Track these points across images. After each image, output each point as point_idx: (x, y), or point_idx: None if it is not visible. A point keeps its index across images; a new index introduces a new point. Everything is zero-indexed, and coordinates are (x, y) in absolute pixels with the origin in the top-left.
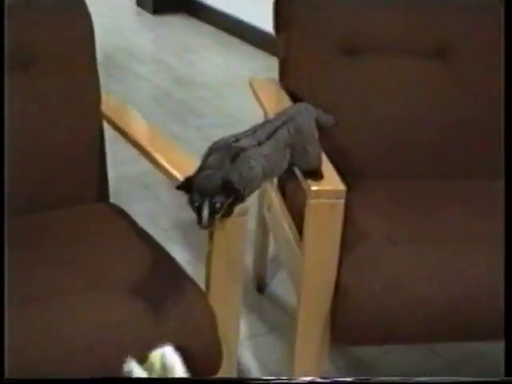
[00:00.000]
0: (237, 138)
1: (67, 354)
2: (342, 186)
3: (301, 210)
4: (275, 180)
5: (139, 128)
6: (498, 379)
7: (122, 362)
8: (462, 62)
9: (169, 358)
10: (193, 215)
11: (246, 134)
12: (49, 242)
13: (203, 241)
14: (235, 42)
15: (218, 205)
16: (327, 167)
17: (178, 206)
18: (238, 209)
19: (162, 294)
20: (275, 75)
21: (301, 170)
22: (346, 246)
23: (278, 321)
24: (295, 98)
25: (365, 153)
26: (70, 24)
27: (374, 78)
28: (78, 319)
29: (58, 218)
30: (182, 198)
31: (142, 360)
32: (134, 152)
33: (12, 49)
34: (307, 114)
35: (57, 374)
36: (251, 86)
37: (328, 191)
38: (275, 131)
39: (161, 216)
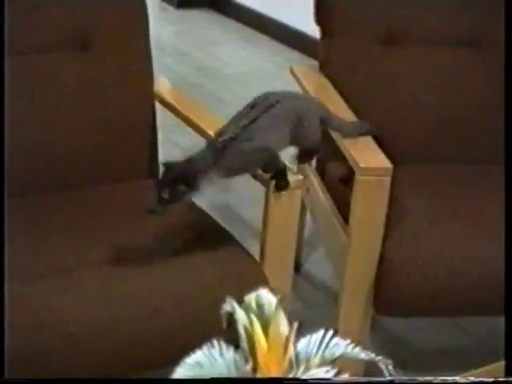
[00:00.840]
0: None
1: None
2: (388, 164)
3: (342, 189)
4: (313, 162)
5: (191, 107)
6: (498, 379)
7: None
8: (495, 51)
9: (264, 298)
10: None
11: (240, 115)
12: (104, 214)
13: (238, 223)
14: (258, 36)
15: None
16: (372, 145)
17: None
18: (293, 182)
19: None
20: None
21: (300, 147)
22: (389, 223)
23: (314, 299)
24: (335, 85)
25: (401, 137)
26: (126, 10)
27: (411, 66)
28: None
29: (112, 192)
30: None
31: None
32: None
33: (71, 31)
34: (307, 102)
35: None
36: (293, 73)
37: (376, 168)
38: (269, 107)
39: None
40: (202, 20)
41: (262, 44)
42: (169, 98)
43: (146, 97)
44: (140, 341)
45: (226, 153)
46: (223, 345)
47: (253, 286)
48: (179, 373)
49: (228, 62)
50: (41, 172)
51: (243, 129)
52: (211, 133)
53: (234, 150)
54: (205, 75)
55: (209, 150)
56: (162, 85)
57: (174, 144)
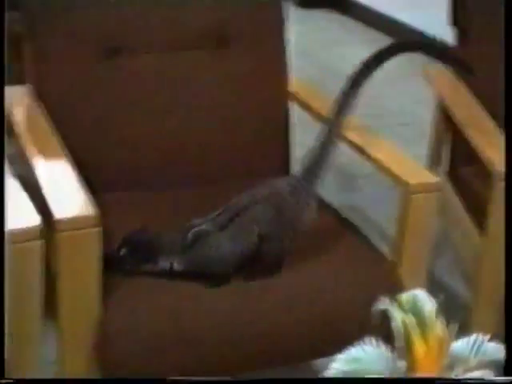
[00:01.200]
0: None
1: None
2: None
3: (478, 193)
4: (447, 165)
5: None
6: (498, 379)
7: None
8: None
9: (421, 299)
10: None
11: (208, 218)
12: None
13: (365, 223)
14: (380, 37)
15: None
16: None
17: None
18: (431, 184)
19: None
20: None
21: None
22: None
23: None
24: None
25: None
26: (265, 8)
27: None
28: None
29: (246, 188)
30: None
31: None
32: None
33: (211, 29)
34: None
35: None
36: (426, 75)
37: None
38: (238, 214)
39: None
40: (325, 20)
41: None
42: (304, 97)
43: (282, 95)
44: (275, 335)
45: (194, 246)
46: (377, 342)
47: (388, 287)
48: (334, 367)
49: (352, 63)
50: (176, 167)
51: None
52: (346, 132)
53: (202, 246)
54: (328, 76)
55: (178, 237)
56: (297, 83)
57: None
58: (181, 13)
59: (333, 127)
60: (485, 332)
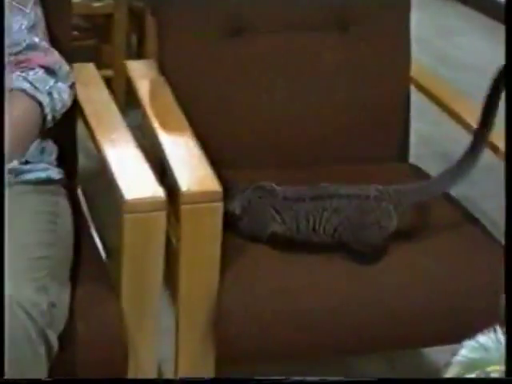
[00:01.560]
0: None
1: None
2: None
3: None
4: None
5: (448, 94)
6: (497, 379)
7: None
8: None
9: None
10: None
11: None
12: None
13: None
14: (500, 27)
15: None
16: None
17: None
18: None
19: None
20: None
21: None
22: None
23: None
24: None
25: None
26: None
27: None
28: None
29: (362, 173)
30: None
31: None
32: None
33: (333, 11)
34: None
35: None
36: None
37: None
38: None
39: None
40: (440, 8)
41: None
42: (425, 83)
43: (403, 80)
44: (391, 318)
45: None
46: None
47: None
48: (462, 353)
49: (470, 52)
50: (292, 147)
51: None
52: (470, 121)
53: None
54: (444, 64)
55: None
56: (418, 69)
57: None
58: None
59: (479, 139)
60: None
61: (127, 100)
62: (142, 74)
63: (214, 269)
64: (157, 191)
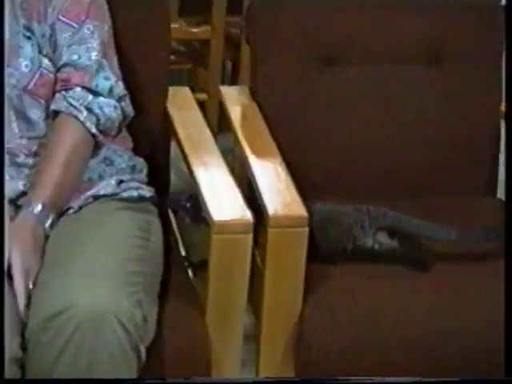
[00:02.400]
0: None
1: None
2: None
3: None
4: None
5: None
6: (498, 379)
7: None
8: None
9: None
10: None
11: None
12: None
13: None
14: None
15: None
16: None
17: None
18: None
19: None
20: None
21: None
22: None
23: None
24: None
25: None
26: (481, 26)
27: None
28: None
29: (448, 206)
30: None
31: None
32: None
33: (425, 44)
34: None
35: None
36: None
37: None
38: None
39: None
40: None
41: None
42: None
43: (493, 114)
44: (474, 351)
45: None
46: None
47: None
48: None
49: None
50: (381, 177)
51: None
52: None
53: None
54: None
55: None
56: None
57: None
58: (397, 26)
59: None
60: None
61: (220, 124)
62: (235, 100)
63: (298, 292)
64: (245, 214)
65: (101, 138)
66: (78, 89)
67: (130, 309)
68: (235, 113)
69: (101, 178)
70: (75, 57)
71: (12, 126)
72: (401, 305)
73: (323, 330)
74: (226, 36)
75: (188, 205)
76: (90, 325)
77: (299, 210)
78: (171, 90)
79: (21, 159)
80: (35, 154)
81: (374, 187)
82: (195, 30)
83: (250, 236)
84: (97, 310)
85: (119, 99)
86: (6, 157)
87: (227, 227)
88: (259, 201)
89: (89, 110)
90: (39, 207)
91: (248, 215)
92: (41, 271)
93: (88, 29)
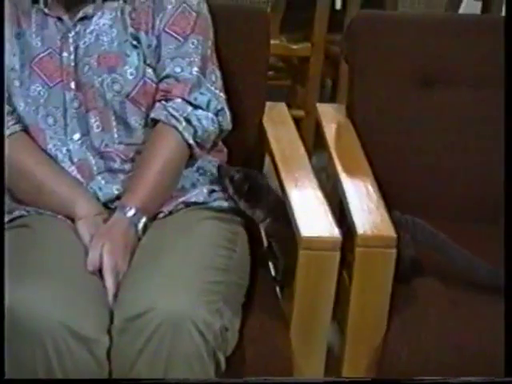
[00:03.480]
0: None
1: None
2: None
3: None
4: None
5: None
6: (498, 379)
7: None
8: None
9: None
10: None
11: None
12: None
13: None
14: None
15: None
16: None
17: None
18: None
19: None
20: None
21: None
22: None
23: None
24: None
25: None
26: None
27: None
28: None
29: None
30: None
31: None
32: None
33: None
34: None
35: None
36: None
37: None
38: None
39: None
40: None
41: None
42: None
43: None
44: None
45: None
46: None
47: None
48: None
49: None
50: (469, 202)
51: None
52: None
53: None
54: None
55: None
56: None
57: None
58: (495, 51)
59: None
60: None
61: (315, 141)
62: (331, 118)
63: (383, 312)
64: (333, 231)
65: (197, 149)
66: (178, 100)
67: (207, 316)
68: (330, 130)
69: (193, 186)
70: (178, 69)
71: (112, 131)
72: (485, 325)
73: (407, 350)
74: (326, 54)
75: (236, 176)
76: (167, 328)
77: (388, 230)
78: (268, 104)
79: (117, 165)
80: (131, 161)
81: (465, 211)
82: (295, 47)
83: (338, 254)
84: (174, 315)
85: (217, 113)
86: (101, 162)
87: (315, 243)
88: (348, 219)
89: (187, 121)
90: (132, 211)
91: (336, 232)
92: (127, 272)
93: (192, 43)
